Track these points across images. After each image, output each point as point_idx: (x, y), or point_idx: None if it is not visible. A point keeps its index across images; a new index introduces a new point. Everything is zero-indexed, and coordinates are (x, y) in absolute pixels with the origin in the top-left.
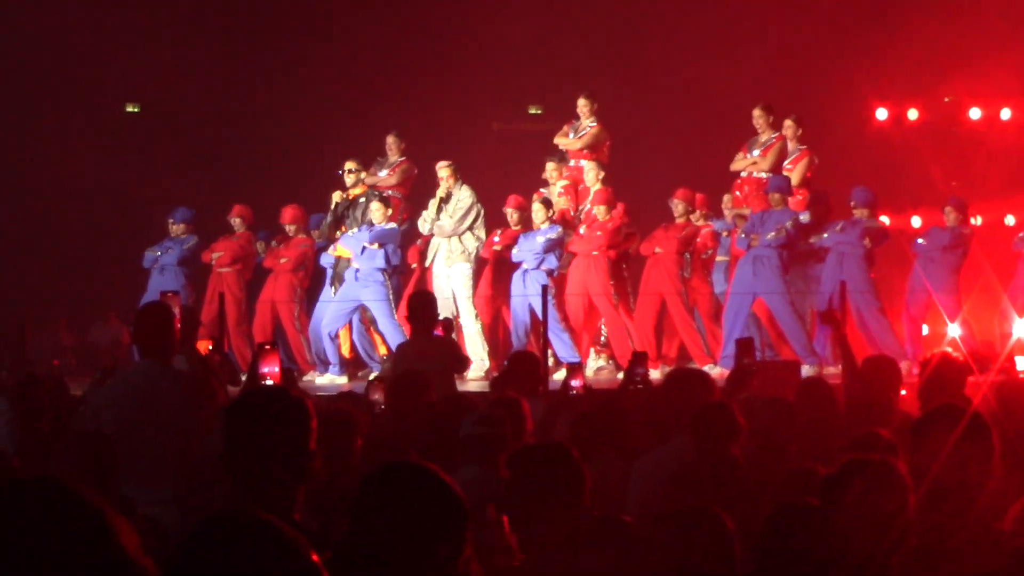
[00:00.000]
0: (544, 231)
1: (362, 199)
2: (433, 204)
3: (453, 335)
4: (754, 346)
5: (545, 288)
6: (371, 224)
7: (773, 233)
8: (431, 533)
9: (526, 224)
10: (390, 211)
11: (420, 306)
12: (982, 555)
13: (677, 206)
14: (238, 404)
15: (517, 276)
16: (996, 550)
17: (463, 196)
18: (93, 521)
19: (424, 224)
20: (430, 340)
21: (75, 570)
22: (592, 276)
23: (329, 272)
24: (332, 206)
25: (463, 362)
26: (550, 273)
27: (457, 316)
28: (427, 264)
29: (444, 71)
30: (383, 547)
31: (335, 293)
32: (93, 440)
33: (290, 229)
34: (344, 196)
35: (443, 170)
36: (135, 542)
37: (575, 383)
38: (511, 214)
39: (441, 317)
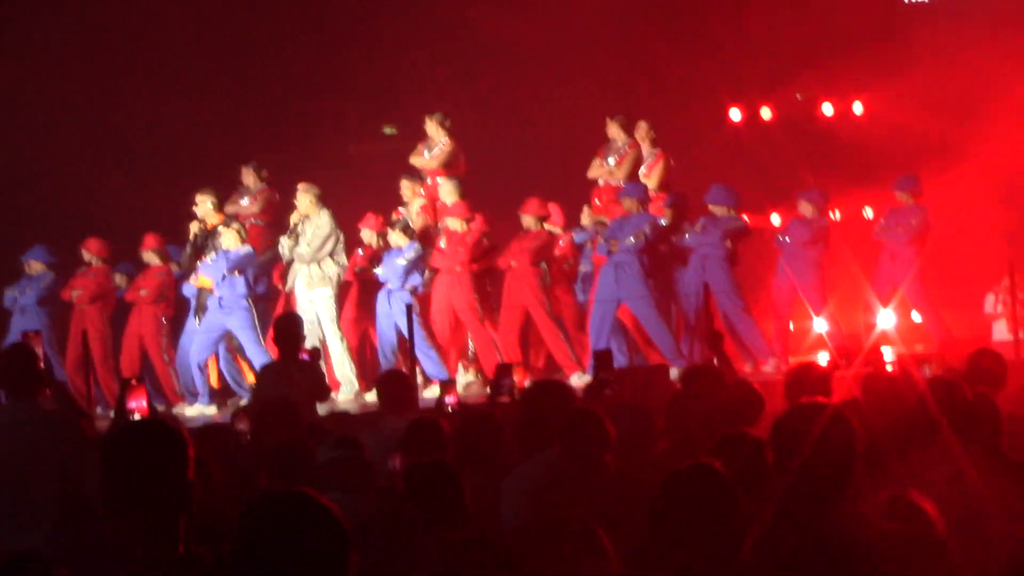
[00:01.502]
0: (404, 251)
1: (220, 228)
2: (291, 230)
3: (321, 363)
4: (612, 357)
5: (410, 307)
6: (226, 251)
7: (632, 238)
8: (315, 560)
9: (385, 242)
10: (243, 234)
11: (285, 330)
12: (848, 541)
13: (526, 219)
14: (116, 438)
15: (382, 296)
16: (862, 534)
17: (321, 222)
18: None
19: (283, 250)
20: (295, 364)
21: None
22: (456, 291)
23: (192, 303)
24: (191, 237)
25: (326, 389)
26: (414, 291)
27: (323, 340)
28: (288, 289)
29: (296, 93)
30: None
31: (199, 323)
32: None
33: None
34: (201, 227)
35: (303, 195)
36: None
37: (449, 399)
38: (368, 235)
39: (308, 345)
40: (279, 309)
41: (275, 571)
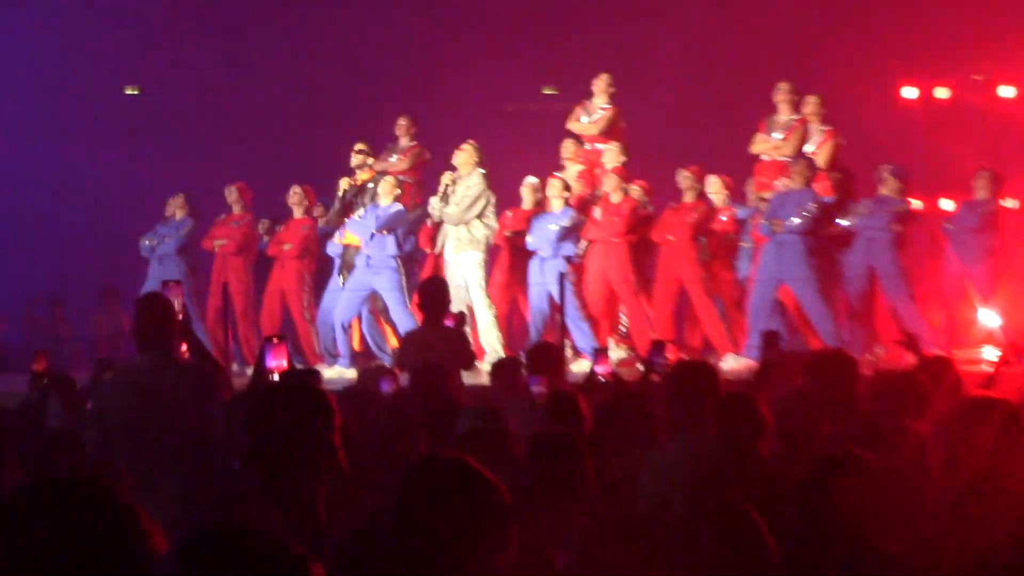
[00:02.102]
0: (557, 216)
1: (370, 184)
2: (442, 190)
3: (467, 329)
4: (779, 338)
5: (563, 276)
6: (376, 205)
7: (796, 219)
8: (476, 529)
9: (540, 205)
10: (399, 191)
11: (430, 294)
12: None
13: (684, 179)
14: (262, 396)
15: (534, 264)
16: None
17: (473, 183)
18: (128, 522)
19: (433, 210)
20: (439, 331)
21: (108, 570)
22: (611, 263)
23: (337, 261)
24: (339, 193)
25: (471, 357)
26: (568, 259)
27: (471, 305)
28: (437, 251)
29: (455, 53)
30: (428, 542)
31: (344, 282)
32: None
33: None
34: (352, 183)
35: (462, 153)
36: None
37: (600, 368)
38: (526, 194)
39: (456, 310)
40: (426, 272)
41: (435, 537)
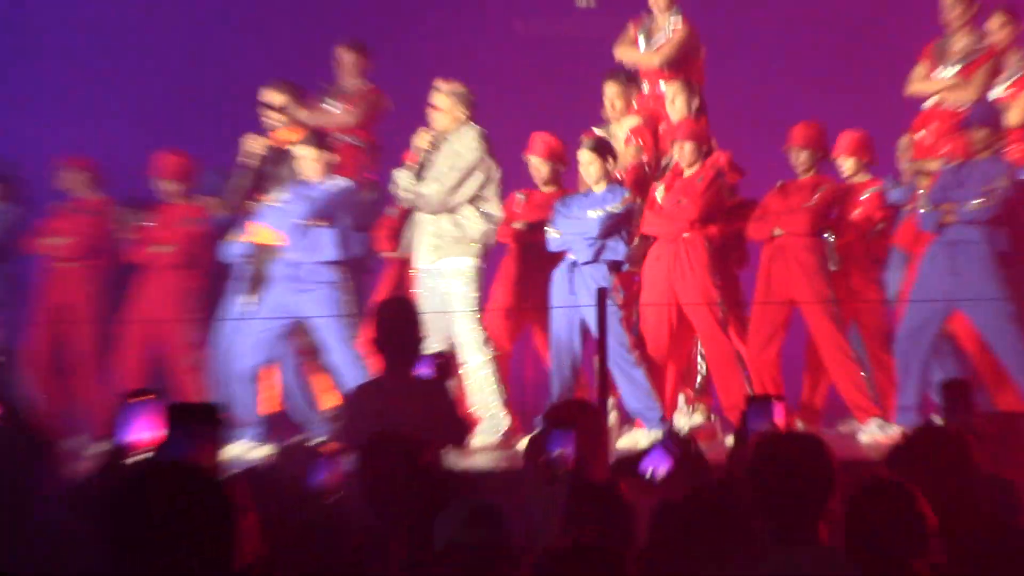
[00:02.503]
0: (601, 198)
1: (296, 148)
2: (414, 159)
3: (449, 382)
4: (968, 391)
5: (603, 293)
6: (304, 184)
7: (979, 200)
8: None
9: (566, 184)
10: (336, 159)
11: (392, 325)
12: None
13: (799, 155)
14: (122, 490)
15: (560, 275)
16: None
17: (464, 147)
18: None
19: (401, 190)
20: (407, 384)
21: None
22: (683, 273)
23: (241, 270)
24: (244, 161)
25: (459, 425)
26: (615, 268)
27: (457, 342)
28: (403, 254)
29: None
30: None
31: (253, 304)
32: None
33: (168, 190)
34: (265, 145)
35: (442, 98)
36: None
37: (656, 468)
38: (538, 167)
39: (434, 349)
40: (385, 288)
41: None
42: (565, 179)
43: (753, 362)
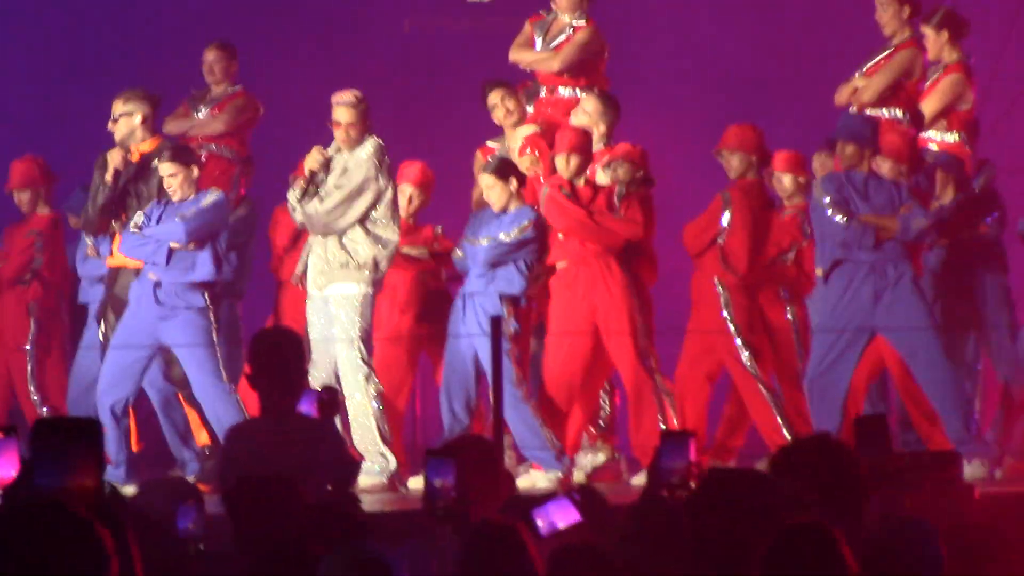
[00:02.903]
0: (508, 220)
1: (155, 161)
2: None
3: (337, 419)
4: (885, 428)
5: (498, 322)
6: (167, 202)
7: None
8: None
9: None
10: (194, 172)
11: (272, 357)
12: None
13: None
14: None
15: (457, 302)
16: None
17: (354, 162)
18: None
19: (289, 208)
20: (290, 423)
21: None
22: (597, 296)
23: (97, 295)
24: (102, 172)
25: (350, 466)
26: (514, 302)
27: (340, 377)
28: (296, 279)
29: None
30: None
31: (110, 334)
32: None
33: (20, 200)
34: (124, 156)
35: (343, 111)
36: None
37: (557, 519)
38: (410, 194)
39: (318, 384)
40: (279, 316)
41: None
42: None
43: (679, 393)
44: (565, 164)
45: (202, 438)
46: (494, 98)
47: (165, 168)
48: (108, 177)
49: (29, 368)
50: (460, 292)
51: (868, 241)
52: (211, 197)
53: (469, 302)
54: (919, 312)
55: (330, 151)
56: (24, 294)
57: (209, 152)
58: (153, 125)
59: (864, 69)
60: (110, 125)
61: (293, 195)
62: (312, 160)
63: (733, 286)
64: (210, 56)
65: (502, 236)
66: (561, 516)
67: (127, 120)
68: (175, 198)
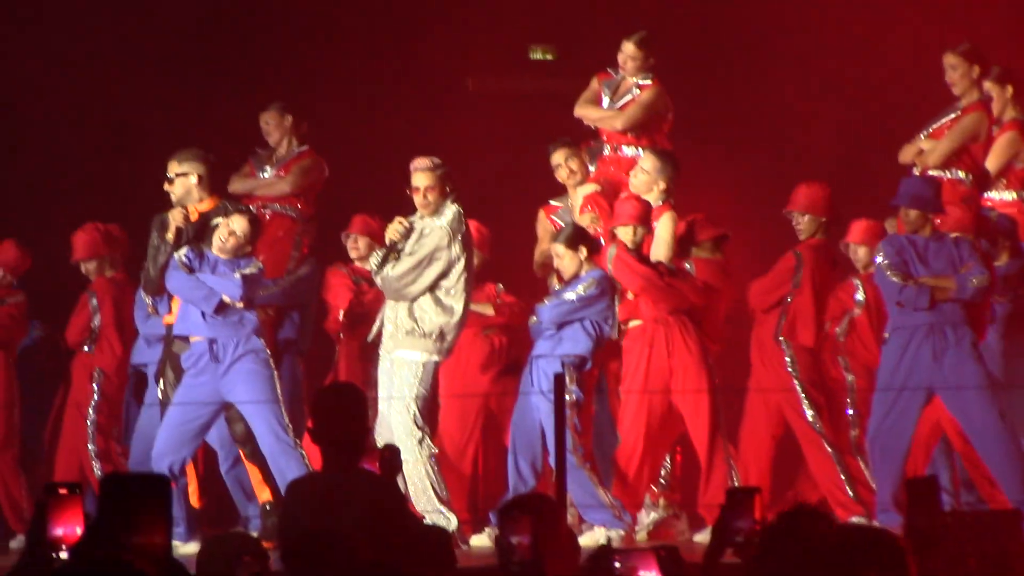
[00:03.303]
0: (571, 285)
1: (217, 219)
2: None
3: (400, 477)
4: (934, 489)
5: (561, 380)
6: (219, 261)
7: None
8: None
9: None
10: (248, 230)
11: (335, 413)
12: None
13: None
14: None
15: (528, 366)
16: None
17: (434, 224)
18: None
19: (373, 273)
20: (352, 479)
21: None
22: (675, 354)
23: (154, 355)
24: (160, 233)
25: (410, 525)
26: (580, 364)
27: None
28: (369, 339)
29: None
30: None
31: (169, 392)
32: None
33: (87, 270)
34: (186, 215)
35: (420, 176)
36: None
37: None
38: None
39: (382, 442)
40: (332, 373)
41: None
42: None
43: (743, 454)
44: (632, 235)
45: (263, 495)
46: (558, 158)
47: (238, 224)
48: (170, 236)
49: (89, 433)
50: (530, 354)
51: (923, 302)
52: (257, 266)
53: (535, 364)
54: (975, 374)
55: (394, 231)
56: (89, 359)
57: (273, 211)
58: (210, 184)
59: (930, 130)
60: (166, 186)
61: (375, 259)
62: (392, 231)
63: (798, 344)
64: (270, 116)
65: (567, 295)
66: (643, 568)
67: (183, 180)
68: (228, 255)
